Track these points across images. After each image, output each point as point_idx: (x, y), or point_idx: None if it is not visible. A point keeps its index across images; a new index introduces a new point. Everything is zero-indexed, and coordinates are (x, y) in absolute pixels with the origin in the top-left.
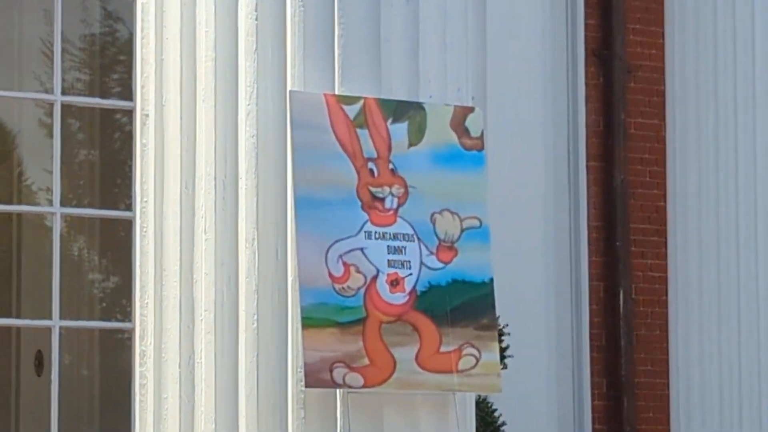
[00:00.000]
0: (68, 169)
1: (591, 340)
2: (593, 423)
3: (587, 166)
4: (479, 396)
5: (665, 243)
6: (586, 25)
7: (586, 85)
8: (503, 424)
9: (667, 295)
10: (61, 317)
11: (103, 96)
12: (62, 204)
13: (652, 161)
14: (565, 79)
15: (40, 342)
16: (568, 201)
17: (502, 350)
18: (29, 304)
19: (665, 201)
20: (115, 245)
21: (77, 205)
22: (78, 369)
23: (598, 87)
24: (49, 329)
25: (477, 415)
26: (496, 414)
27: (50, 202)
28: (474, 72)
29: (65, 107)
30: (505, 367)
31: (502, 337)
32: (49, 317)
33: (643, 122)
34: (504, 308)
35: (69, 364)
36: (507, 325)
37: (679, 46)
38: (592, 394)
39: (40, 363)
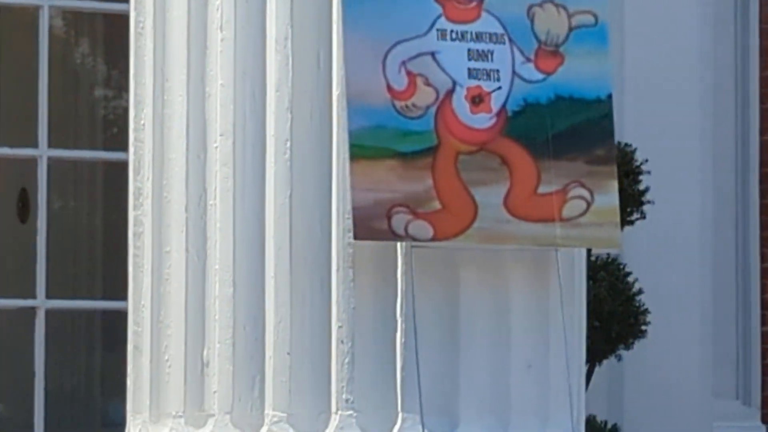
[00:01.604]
0: None
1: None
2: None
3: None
4: (607, 255)
5: None
6: None
7: None
8: (639, 292)
9: None
10: (50, 146)
11: None
12: None
13: None
14: None
15: (24, 177)
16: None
17: (640, 193)
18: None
19: None
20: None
21: None
22: (70, 213)
23: None
24: (35, 159)
25: (604, 279)
26: (629, 279)
27: None
28: None
29: None
30: (642, 216)
31: (640, 176)
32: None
33: None
34: (642, 138)
35: (59, 208)
36: (647, 160)
37: None
38: (762, 255)
39: (25, 205)
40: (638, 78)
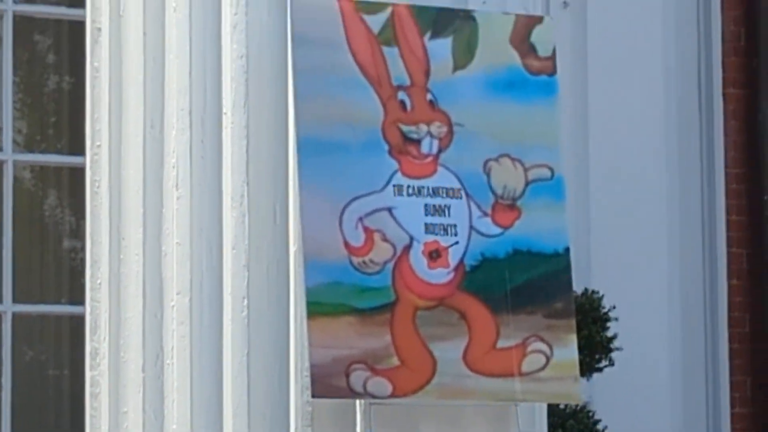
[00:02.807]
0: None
1: (730, 327)
2: None
3: (724, 95)
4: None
5: None
6: None
7: None
8: None
9: None
10: (15, 301)
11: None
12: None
13: None
14: None
15: None
16: (699, 141)
17: (608, 340)
18: None
19: None
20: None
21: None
22: (34, 362)
23: None
24: None
25: (574, 428)
26: (599, 426)
27: None
28: None
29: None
30: (611, 363)
31: (608, 323)
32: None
33: None
34: (610, 284)
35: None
36: (614, 307)
37: None
38: (732, 400)
39: None
40: (605, 225)
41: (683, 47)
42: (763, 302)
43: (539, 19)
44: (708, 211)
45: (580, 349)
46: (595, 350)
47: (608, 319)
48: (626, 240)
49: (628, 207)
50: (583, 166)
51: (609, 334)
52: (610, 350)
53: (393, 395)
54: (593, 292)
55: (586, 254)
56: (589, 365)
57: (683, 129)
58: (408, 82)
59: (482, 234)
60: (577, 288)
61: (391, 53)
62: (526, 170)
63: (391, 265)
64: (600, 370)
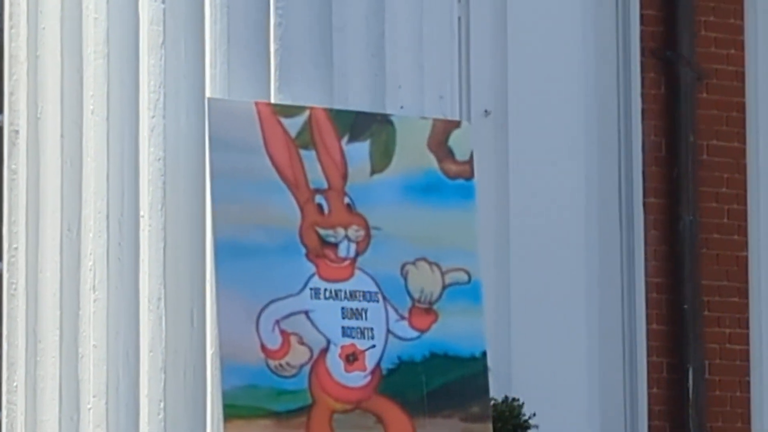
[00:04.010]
0: None
1: None
2: None
3: (645, 204)
4: None
5: (747, 306)
6: (642, 17)
7: (643, 96)
8: None
9: (750, 374)
10: None
11: None
12: None
13: (730, 197)
14: (615, 87)
15: None
16: (619, 251)
17: None
18: None
19: (747, 250)
20: None
21: None
22: None
23: (659, 99)
24: None
25: None
26: None
27: None
28: (489, 79)
29: None
30: None
31: (528, 431)
32: None
33: (719, 145)
34: (530, 391)
35: None
36: (535, 414)
37: (765, 43)
38: None
39: None
40: (526, 332)
41: (604, 157)
42: (681, 412)
43: (457, 124)
44: (628, 320)
45: None
46: None
47: (528, 427)
48: (547, 348)
49: (549, 315)
50: (503, 273)
51: None
52: None
53: None
54: (513, 399)
55: (507, 362)
56: None
57: (604, 239)
58: (325, 185)
59: (399, 337)
60: (498, 395)
61: (309, 156)
62: (443, 274)
63: (307, 368)
64: None
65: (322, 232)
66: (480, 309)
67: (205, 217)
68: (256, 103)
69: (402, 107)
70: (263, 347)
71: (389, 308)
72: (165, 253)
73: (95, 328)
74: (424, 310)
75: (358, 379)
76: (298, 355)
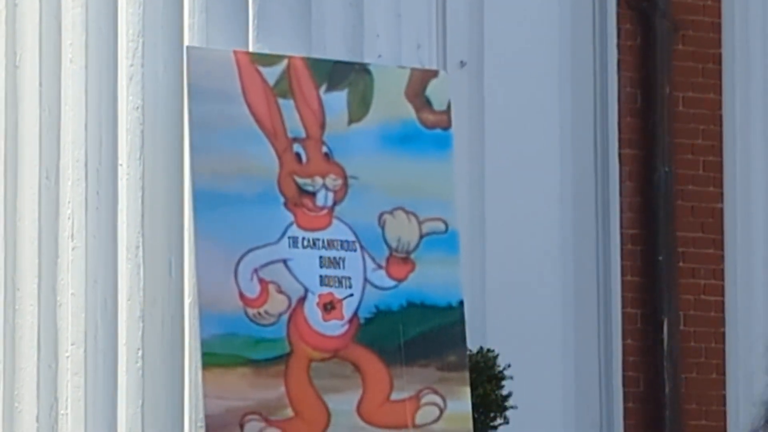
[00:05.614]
0: None
1: (625, 386)
2: None
3: (620, 155)
4: None
5: (723, 257)
6: None
7: (619, 47)
8: None
9: (725, 326)
10: None
11: None
12: None
13: (706, 149)
14: (591, 39)
15: None
16: (594, 202)
17: (503, 398)
18: None
19: (722, 202)
20: None
21: None
22: None
23: (635, 50)
24: None
25: None
26: None
27: None
28: (465, 29)
29: None
30: (506, 421)
31: (503, 382)
32: None
33: (695, 97)
34: (505, 342)
35: None
36: (509, 365)
37: None
38: None
39: None
40: (500, 284)
41: (580, 108)
42: (655, 363)
43: (434, 73)
44: (603, 271)
45: (476, 407)
46: (490, 408)
47: (503, 378)
48: (521, 299)
49: (524, 266)
50: (478, 222)
51: (504, 392)
52: (505, 408)
53: None
54: (488, 350)
55: (482, 313)
56: (483, 423)
57: (579, 189)
58: (303, 135)
59: (376, 287)
60: (473, 346)
61: (287, 105)
62: (420, 223)
63: (286, 317)
64: (495, 428)
65: (300, 181)
66: (457, 259)
67: (183, 166)
68: (235, 52)
69: (380, 56)
70: (242, 296)
71: (366, 257)
72: (143, 201)
73: (73, 277)
74: (402, 259)
75: (335, 327)
76: (276, 304)
